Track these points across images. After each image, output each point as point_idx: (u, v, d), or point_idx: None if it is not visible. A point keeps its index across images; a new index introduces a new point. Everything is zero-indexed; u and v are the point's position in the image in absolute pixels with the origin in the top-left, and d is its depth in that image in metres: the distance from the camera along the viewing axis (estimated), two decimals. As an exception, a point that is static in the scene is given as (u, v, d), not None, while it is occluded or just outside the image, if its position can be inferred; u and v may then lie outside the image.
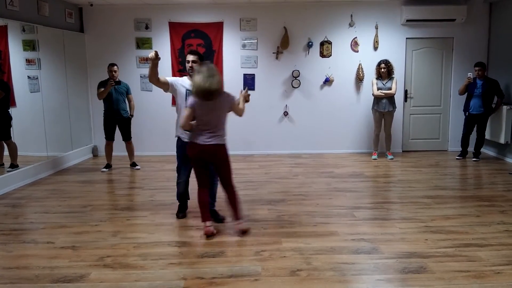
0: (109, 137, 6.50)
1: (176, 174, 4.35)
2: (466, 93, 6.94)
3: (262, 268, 3.17)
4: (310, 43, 7.46)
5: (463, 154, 7.11)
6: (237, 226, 3.86)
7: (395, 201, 4.86)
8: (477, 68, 6.78)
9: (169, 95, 7.55)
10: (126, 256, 3.42)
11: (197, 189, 3.84)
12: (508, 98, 6.85)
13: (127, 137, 6.58)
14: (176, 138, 4.20)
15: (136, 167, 6.64)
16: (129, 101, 6.58)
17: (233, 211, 3.85)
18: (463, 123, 7.09)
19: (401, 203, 4.77)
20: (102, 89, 6.16)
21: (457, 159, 7.05)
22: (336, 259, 3.31)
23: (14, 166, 5.67)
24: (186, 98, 3.94)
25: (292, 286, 2.92)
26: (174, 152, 4.24)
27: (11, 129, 5.61)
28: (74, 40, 7.23)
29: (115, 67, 6.30)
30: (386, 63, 6.96)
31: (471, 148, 7.12)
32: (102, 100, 6.33)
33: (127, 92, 6.53)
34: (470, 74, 6.79)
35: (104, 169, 6.53)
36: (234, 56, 7.54)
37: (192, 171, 3.94)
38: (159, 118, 7.60)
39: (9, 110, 5.60)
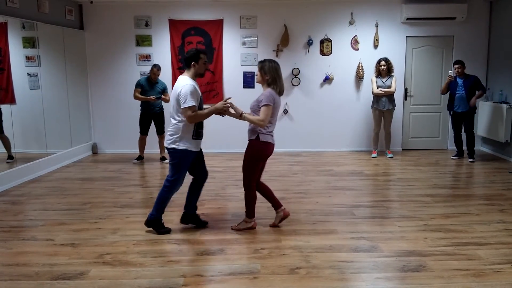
0: (144, 132, 6.81)
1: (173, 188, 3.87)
2: (449, 93, 6.88)
3: (261, 266, 3.17)
4: (310, 41, 7.45)
5: (459, 154, 7.02)
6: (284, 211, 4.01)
7: (395, 200, 4.86)
8: (456, 66, 6.69)
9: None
10: (126, 253, 3.43)
11: (252, 189, 3.84)
12: (509, 96, 6.85)
13: (160, 131, 6.84)
14: (183, 150, 3.70)
15: (166, 161, 6.77)
16: (165, 97, 6.71)
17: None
18: (450, 123, 7.02)
19: (401, 201, 4.77)
20: (141, 95, 6.49)
21: (452, 159, 6.97)
22: (335, 257, 3.31)
23: (11, 157, 5.68)
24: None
25: (291, 284, 2.92)
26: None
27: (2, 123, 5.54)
28: (74, 37, 7.22)
29: (160, 71, 6.57)
30: (386, 60, 6.96)
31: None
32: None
33: (164, 91, 6.70)
34: (450, 72, 6.73)
35: (136, 161, 6.83)
36: (234, 54, 7.53)
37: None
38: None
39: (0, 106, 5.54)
